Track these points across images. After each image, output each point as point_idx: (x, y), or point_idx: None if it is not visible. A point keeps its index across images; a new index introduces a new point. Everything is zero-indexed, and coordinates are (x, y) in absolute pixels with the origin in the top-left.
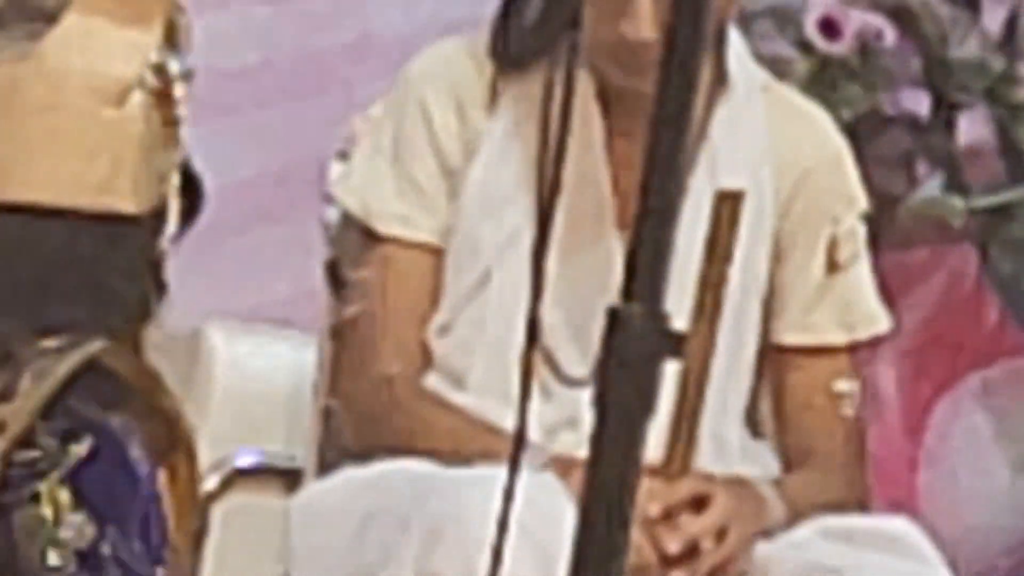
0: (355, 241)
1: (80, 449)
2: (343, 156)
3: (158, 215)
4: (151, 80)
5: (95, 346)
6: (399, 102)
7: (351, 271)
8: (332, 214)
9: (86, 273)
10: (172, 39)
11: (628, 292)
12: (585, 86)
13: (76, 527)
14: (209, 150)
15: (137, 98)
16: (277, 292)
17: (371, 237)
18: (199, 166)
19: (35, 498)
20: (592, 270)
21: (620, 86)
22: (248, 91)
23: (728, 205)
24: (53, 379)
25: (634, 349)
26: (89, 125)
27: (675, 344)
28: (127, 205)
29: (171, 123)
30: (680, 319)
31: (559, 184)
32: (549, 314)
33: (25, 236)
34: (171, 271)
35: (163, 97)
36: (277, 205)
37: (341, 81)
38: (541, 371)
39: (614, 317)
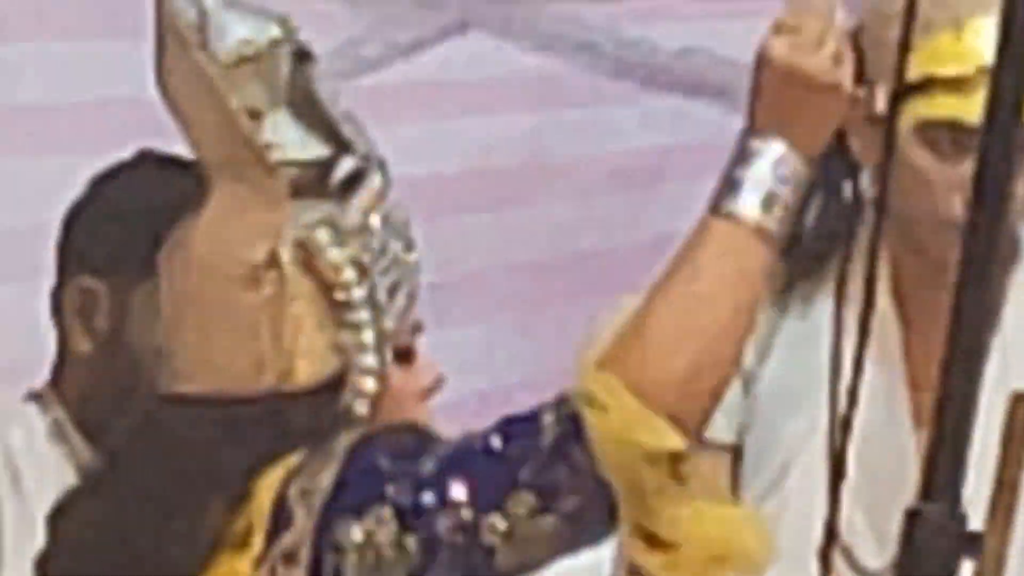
0: None
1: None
2: None
3: (337, 382)
4: (290, 257)
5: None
6: None
7: None
8: None
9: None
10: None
11: (926, 491)
12: (882, 282)
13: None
14: (512, 348)
15: (272, 278)
16: None
17: None
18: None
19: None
20: (888, 464)
21: (917, 280)
22: (548, 288)
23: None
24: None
25: (932, 548)
26: (230, 312)
27: (972, 544)
28: (285, 383)
29: (329, 290)
30: (975, 519)
31: (859, 385)
32: (847, 507)
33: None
34: None
35: (312, 268)
36: None
37: (636, 280)
38: (838, 563)
39: (912, 516)
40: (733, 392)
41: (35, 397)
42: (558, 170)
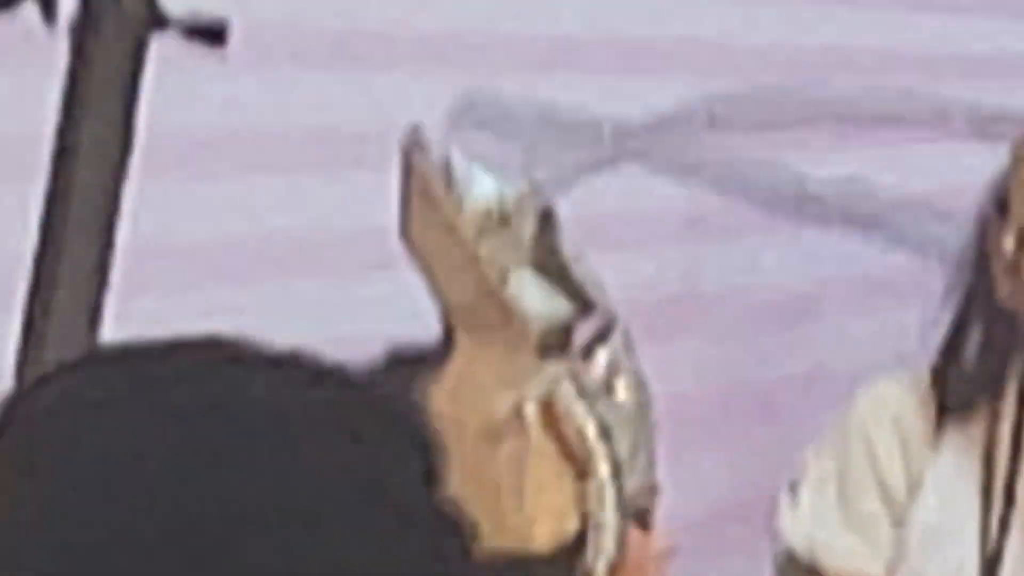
0: (802, 574)
1: None
2: (792, 488)
3: (577, 545)
4: (533, 412)
5: None
6: (843, 436)
7: None
8: (780, 546)
9: None
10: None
11: None
12: None
13: None
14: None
15: (515, 433)
16: None
17: (817, 571)
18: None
19: None
20: None
21: None
22: (697, 420)
23: None
24: None
25: None
26: (472, 468)
27: None
28: (525, 545)
29: (571, 447)
30: None
31: (1007, 525)
32: None
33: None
34: None
35: (555, 424)
36: (730, 539)
37: (790, 413)
38: None
39: None
40: (884, 527)
41: None
42: (710, 303)
